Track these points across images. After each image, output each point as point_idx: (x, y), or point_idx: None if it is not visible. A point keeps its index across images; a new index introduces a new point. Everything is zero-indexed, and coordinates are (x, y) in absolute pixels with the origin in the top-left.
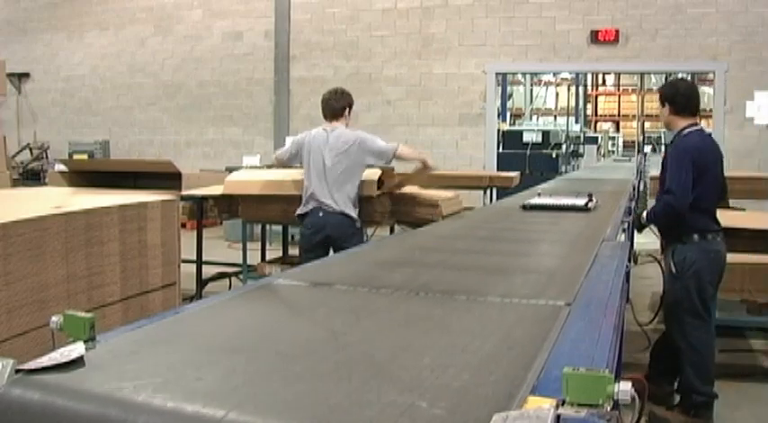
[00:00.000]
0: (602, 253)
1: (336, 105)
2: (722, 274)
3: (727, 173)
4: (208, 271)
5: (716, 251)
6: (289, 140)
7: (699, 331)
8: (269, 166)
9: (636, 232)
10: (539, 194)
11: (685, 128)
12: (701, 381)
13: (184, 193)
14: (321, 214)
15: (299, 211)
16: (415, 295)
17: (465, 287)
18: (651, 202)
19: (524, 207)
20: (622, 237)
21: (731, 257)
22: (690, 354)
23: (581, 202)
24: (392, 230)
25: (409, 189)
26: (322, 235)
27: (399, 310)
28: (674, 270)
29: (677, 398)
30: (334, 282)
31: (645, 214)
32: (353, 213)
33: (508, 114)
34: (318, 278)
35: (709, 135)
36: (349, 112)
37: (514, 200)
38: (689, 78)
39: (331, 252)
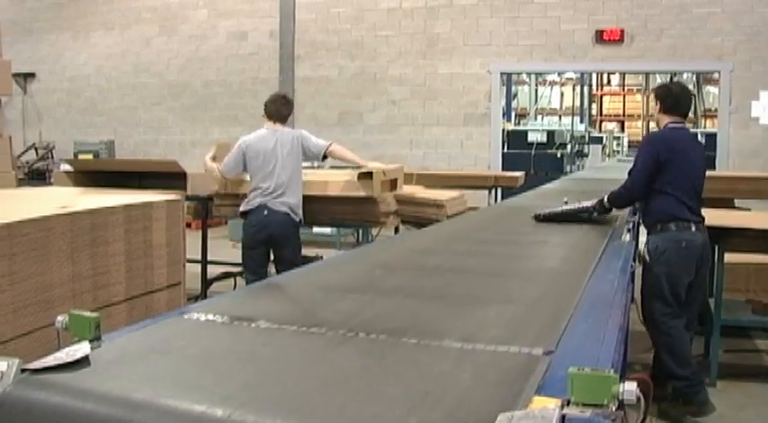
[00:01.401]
0: (602, 265)
1: (285, 112)
2: (702, 263)
3: (731, 172)
4: (213, 271)
5: (688, 240)
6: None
7: (669, 319)
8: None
9: (598, 215)
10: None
11: (667, 124)
12: (676, 364)
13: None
14: (266, 213)
15: (242, 209)
16: (352, 337)
17: (419, 325)
18: None
19: (537, 218)
20: (627, 237)
21: (736, 258)
22: (663, 340)
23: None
24: (397, 230)
25: (412, 189)
26: (265, 233)
27: (322, 363)
28: (647, 258)
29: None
30: (259, 316)
31: (605, 198)
32: (299, 211)
33: (513, 114)
34: (242, 310)
35: (686, 131)
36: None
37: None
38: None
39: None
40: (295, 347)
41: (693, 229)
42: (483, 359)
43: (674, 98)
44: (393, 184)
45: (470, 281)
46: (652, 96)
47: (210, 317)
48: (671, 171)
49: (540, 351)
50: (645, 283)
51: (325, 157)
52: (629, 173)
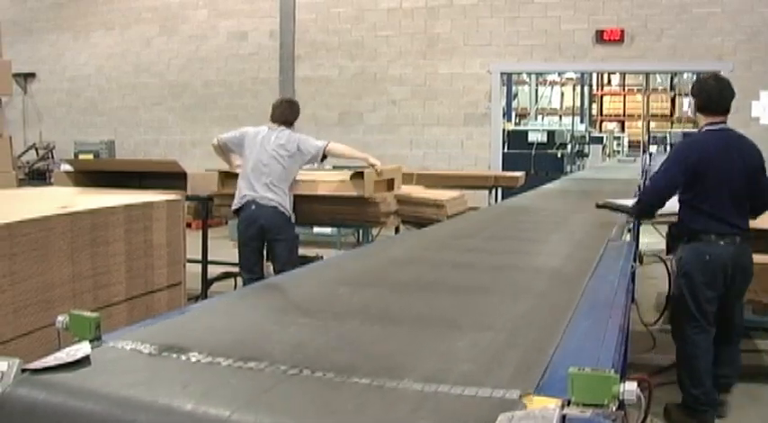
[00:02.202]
0: (603, 263)
1: (290, 117)
2: (733, 278)
3: None
4: (213, 271)
5: (714, 254)
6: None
7: (691, 332)
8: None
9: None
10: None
11: (704, 126)
12: (689, 380)
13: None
14: (254, 207)
15: (234, 207)
16: (293, 376)
17: (377, 359)
18: None
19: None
20: (627, 237)
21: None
22: (682, 354)
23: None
24: (397, 230)
25: (413, 189)
26: (255, 227)
27: (250, 410)
28: (675, 269)
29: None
30: (194, 344)
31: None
32: (287, 207)
33: (513, 114)
34: (175, 338)
35: (725, 133)
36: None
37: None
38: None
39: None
40: (223, 389)
41: (722, 242)
42: (446, 406)
43: (707, 94)
44: (390, 185)
45: (446, 300)
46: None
47: (137, 346)
48: (701, 183)
49: (515, 394)
50: (671, 294)
51: (324, 157)
52: (651, 178)
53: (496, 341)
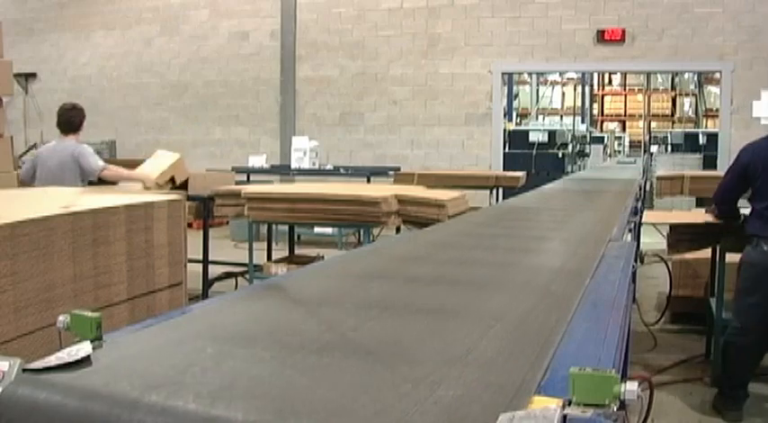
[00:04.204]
0: (604, 263)
1: (75, 120)
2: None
3: None
4: (214, 271)
5: (755, 260)
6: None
7: (735, 332)
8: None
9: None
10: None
11: None
12: (723, 374)
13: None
14: None
15: None
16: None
17: (320, 404)
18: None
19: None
20: (628, 237)
21: (737, 257)
22: (724, 345)
23: None
24: (398, 230)
25: (414, 189)
26: None
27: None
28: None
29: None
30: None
31: None
32: None
33: (514, 114)
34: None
35: None
36: (81, 127)
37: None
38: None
39: None
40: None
41: (766, 247)
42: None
43: None
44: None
45: (410, 325)
46: None
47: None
48: (757, 187)
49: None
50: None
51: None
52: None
53: (468, 384)
